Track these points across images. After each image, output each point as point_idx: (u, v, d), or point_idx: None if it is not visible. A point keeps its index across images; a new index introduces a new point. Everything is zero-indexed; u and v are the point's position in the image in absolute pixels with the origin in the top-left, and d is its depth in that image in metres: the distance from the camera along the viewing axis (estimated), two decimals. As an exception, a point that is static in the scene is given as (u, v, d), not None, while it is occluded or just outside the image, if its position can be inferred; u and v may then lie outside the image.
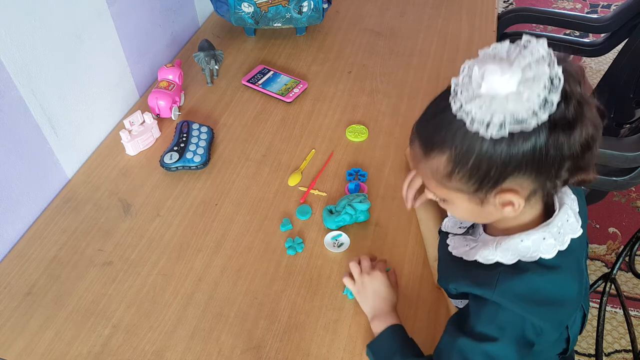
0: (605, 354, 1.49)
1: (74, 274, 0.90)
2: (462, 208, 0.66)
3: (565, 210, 0.65)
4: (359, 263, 0.84)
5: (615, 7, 1.60)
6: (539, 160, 0.57)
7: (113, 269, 0.90)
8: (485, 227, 0.74)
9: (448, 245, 0.76)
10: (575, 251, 0.66)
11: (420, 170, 0.65)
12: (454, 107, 0.57)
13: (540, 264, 0.63)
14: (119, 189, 1.03)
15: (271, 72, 1.29)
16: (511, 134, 0.55)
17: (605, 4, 2.84)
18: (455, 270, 0.72)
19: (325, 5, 1.36)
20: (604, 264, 1.70)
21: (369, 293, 0.80)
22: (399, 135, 1.13)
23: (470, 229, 0.77)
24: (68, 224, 0.97)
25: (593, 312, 1.54)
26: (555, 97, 0.54)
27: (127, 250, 0.93)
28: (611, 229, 1.80)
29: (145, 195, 1.02)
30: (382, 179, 1.04)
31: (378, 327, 0.77)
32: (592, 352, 1.46)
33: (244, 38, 1.43)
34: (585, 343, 1.51)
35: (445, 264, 0.78)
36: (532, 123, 0.54)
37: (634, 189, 1.91)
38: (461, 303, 0.76)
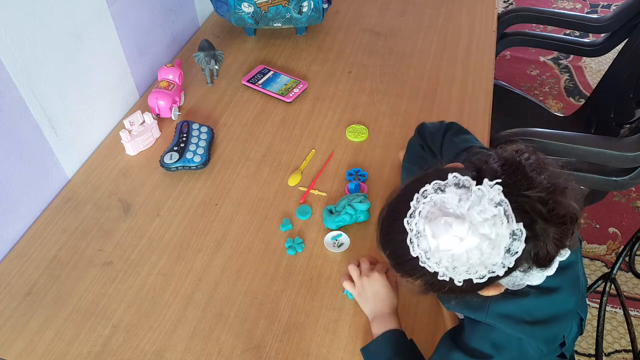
0: (605, 354, 1.48)
1: (74, 274, 0.90)
2: None
3: None
4: (358, 265, 0.84)
5: (615, 7, 1.60)
6: (510, 272, 0.57)
7: (113, 269, 0.90)
8: None
9: None
10: (570, 264, 0.66)
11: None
12: (414, 254, 0.57)
13: (535, 287, 0.64)
14: (119, 189, 1.03)
15: (271, 72, 1.29)
16: None
17: (605, 4, 2.84)
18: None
19: (325, 5, 1.36)
20: (604, 264, 1.70)
21: (369, 295, 0.80)
22: (399, 135, 1.13)
23: None
24: (68, 224, 0.97)
25: (593, 312, 1.54)
26: (520, 246, 0.54)
27: (127, 250, 0.93)
28: (611, 229, 1.80)
29: (145, 195, 1.02)
30: (382, 179, 1.04)
31: (377, 330, 0.77)
32: (592, 352, 1.46)
33: (244, 38, 1.43)
34: (585, 343, 1.51)
35: None
36: (500, 272, 0.55)
37: (634, 189, 1.91)
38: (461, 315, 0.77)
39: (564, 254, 0.63)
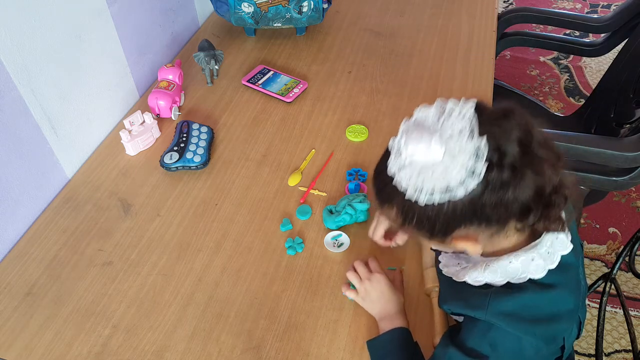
0: (605, 354, 1.49)
1: (74, 274, 0.90)
2: (429, 245, 0.68)
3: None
4: (354, 271, 0.84)
5: (615, 7, 1.60)
6: (481, 214, 0.57)
7: (113, 269, 0.90)
8: None
9: (440, 262, 0.76)
10: (571, 265, 0.66)
11: (383, 212, 0.67)
12: (389, 173, 0.60)
13: (535, 282, 0.63)
14: (119, 189, 1.03)
15: (271, 72, 1.29)
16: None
17: (605, 4, 2.84)
18: (447, 291, 0.73)
19: (325, 5, 1.36)
20: (604, 264, 1.70)
21: (374, 297, 0.80)
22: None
23: None
24: (68, 224, 0.97)
25: (593, 312, 1.54)
26: (481, 167, 0.54)
27: (127, 250, 0.93)
28: (611, 229, 1.80)
29: (145, 195, 1.02)
30: (382, 179, 1.03)
31: (385, 329, 0.77)
32: (592, 352, 1.46)
33: (244, 38, 1.43)
34: (585, 343, 1.51)
35: (441, 283, 0.78)
36: (460, 192, 0.55)
37: (634, 189, 1.91)
38: (460, 318, 0.76)
39: (565, 247, 0.63)
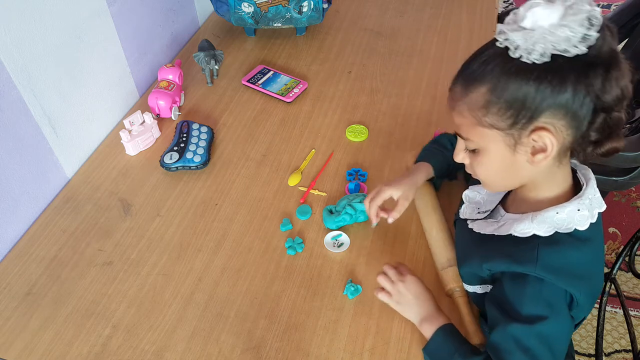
0: (605, 354, 1.48)
1: (74, 274, 0.90)
2: (493, 157, 0.66)
3: (592, 184, 0.67)
4: (382, 274, 0.84)
5: (615, 7, 1.60)
6: (574, 99, 0.58)
7: (113, 269, 0.90)
8: (507, 209, 0.75)
9: (471, 229, 0.76)
10: (601, 224, 0.68)
11: (457, 110, 0.66)
12: (500, 38, 0.60)
13: (574, 236, 0.65)
14: (119, 189, 1.03)
15: (271, 72, 1.29)
16: (549, 66, 0.57)
17: (605, 4, 2.84)
18: (485, 250, 0.72)
19: (325, 5, 1.36)
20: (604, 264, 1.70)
21: (410, 299, 0.79)
22: (399, 135, 1.13)
23: (490, 214, 0.77)
24: (68, 224, 0.97)
25: (593, 312, 1.54)
26: (594, 34, 0.56)
27: (127, 250, 0.93)
28: (611, 229, 1.80)
29: (145, 195, 1.02)
30: (382, 179, 1.04)
31: (429, 330, 0.76)
32: (592, 352, 1.46)
33: (244, 38, 1.43)
34: (585, 343, 1.51)
35: (468, 247, 0.78)
36: (572, 51, 0.56)
37: (634, 189, 1.91)
38: (480, 288, 0.76)
39: (600, 204, 0.66)
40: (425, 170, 0.91)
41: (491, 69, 0.61)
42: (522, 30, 0.58)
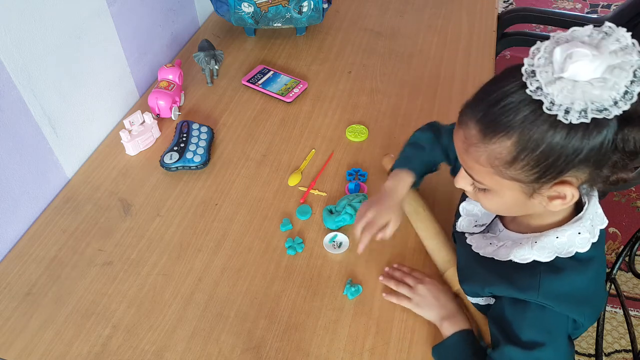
0: (605, 354, 1.49)
1: (74, 274, 0.90)
2: (506, 199, 0.62)
3: (594, 202, 0.64)
4: (389, 277, 0.84)
5: (615, 7, 1.60)
6: (605, 152, 0.54)
7: (113, 269, 0.90)
8: (507, 225, 0.73)
9: (470, 245, 0.74)
10: (603, 239, 0.66)
11: (471, 155, 0.60)
12: (531, 88, 0.54)
13: (576, 259, 0.63)
14: (119, 189, 1.03)
15: (271, 72, 1.29)
16: (586, 124, 0.52)
17: (605, 4, 2.84)
18: (486, 272, 0.70)
19: (325, 5, 1.36)
20: (604, 264, 1.70)
21: (431, 300, 0.79)
22: (399, 135, 1.13)
23: (487, 227, 0.76)
24: (68, 224, 0.97)
25: (593, 312, 1.54)
26: (637, 89, 0.51)
27: (127, 250, 0.93)
28: (611, 229, 1.80)
29: (145, 195, 1.02)
30: (382, 179, 1.03)
31: (448, 329, 0.76)
32: (592, 352, 1.46)
33: (244, 38, 1.43)
34: (585, 343, 1.51)
35: (469, 266, 0.76)
36: (613, 112, 0.51)
37: (634, 189, 1.91)
38: (483, 300, 0.75)
39: (602, 221, 0.64)
40: (407, 180, 0.87)
41: (520, 121, 0.54)
42: (558, 83, 0.52)
